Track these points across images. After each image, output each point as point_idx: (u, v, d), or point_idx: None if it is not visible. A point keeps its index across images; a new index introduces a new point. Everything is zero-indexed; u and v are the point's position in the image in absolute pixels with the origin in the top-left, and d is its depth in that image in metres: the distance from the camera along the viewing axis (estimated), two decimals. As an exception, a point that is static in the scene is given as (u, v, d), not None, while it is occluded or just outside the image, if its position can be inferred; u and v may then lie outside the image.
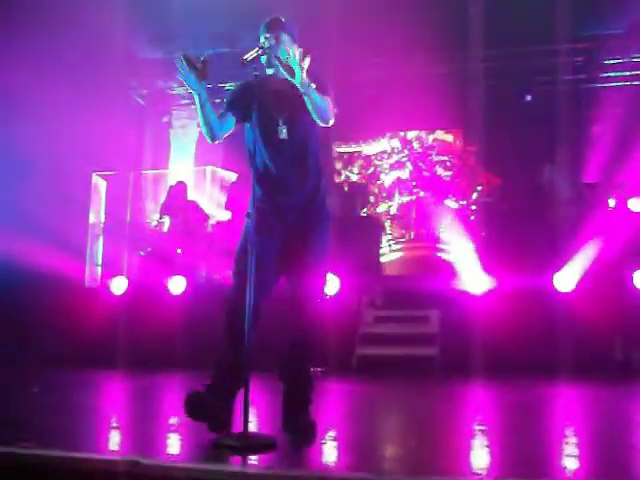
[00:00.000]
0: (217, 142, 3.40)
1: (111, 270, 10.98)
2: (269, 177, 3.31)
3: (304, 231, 3.32)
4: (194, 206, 10.02)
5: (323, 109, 3.19)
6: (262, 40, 3.31)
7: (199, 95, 3.22)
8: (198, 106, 3.24)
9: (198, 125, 3.49)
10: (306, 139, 3.36)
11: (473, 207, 10.88)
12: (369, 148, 12.36)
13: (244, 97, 3.41)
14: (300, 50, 3.20)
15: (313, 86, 3.09)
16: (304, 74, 3.03)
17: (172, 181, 11.24)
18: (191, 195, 10.44)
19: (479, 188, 10.97)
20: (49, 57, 8.49)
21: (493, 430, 3.69)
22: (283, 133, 3.27)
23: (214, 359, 3.28)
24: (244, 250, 3.25)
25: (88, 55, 9.29)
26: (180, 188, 10.04)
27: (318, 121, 3.23)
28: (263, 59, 3.26)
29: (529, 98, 10.78)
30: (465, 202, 11.26)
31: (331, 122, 3.28)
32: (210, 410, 3.13)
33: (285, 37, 3.34)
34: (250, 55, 3.17)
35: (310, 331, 3.33)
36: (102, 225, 11.63)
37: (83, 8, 8.89)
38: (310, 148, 3.37)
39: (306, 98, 3.11)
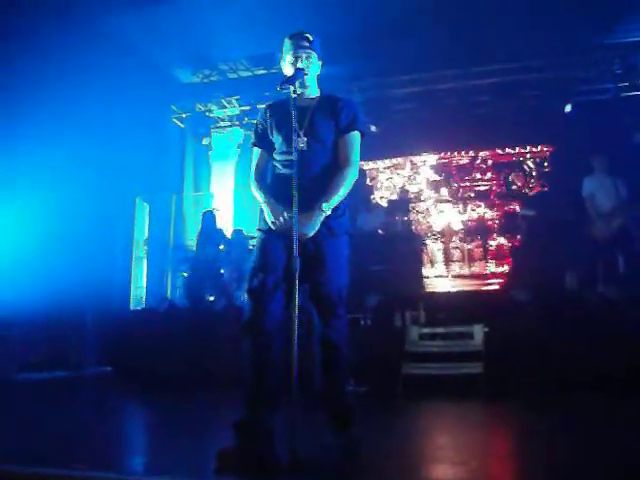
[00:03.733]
0: None
1: (155, 291, 11.19)
2: (284, 190, 3.18)
3: (319, 246, 3.25)
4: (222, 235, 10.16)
5: (349, 188, 3.34)
6: (291, 59, 3.36)
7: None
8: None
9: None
10: (326, 152, 3.37)
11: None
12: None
13: (265, 126, 3.47)
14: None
15: (325, 210, 3.20)
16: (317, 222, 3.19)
17: (214, 203, 11.41)
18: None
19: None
20: (91, 81, 8.65)
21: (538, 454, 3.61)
22: (303, 144, 3.26)
23: (244, 393, 3.19)
24: (258, 267, 3.26)
25: (129, 80, 9.48)
26: (209, 217, 10.15)
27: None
28: (299, 79, 3.28)
29: (569, 109, 10.65)
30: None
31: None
32: (249, 457, 3.01)
33: (314, 55, 3.38)
34: (288, 79, 3.24)
35: (336, 348, 3.27)
36: (146, 248, 11.83)
37: (122, 34, 9.08)
38: (330, 162, 3.37)
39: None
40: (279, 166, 3.39)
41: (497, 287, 10.07)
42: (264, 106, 3.59)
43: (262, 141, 3.48)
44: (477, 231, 11.72)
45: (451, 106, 10.95)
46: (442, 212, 12.08)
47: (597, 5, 8.59)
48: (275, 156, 3.42)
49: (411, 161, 12.37)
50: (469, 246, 11.61)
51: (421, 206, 12.19)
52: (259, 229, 3.41)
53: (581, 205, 8.13)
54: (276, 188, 3.37)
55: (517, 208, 11.11)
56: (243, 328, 3.24)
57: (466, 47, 9.26)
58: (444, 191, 12.18)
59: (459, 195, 12.11)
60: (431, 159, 12.24)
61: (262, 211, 3.40)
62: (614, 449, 3.44)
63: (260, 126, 3.51)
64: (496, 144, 11.84)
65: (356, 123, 3.42)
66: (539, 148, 11.71)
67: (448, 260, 11.60)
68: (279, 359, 3.18)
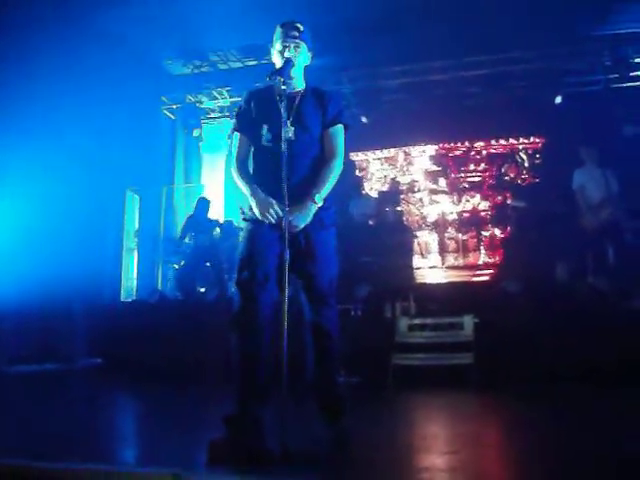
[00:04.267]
0: None
1: (146, 283, 11.16)
2: (270, 181, 3.21)
3: (309, 238, 3.25)
4: (214, 223, 10.11)
5: (336, 180, 3.34)
6: (280, 47, 3.33)
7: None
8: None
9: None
10: (314, 142, 3.36)
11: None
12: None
13: (248, 112, 3.42)
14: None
15: (318, 202, 3.21)
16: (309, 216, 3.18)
17: (204, 194, 11.37)
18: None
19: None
20: (80, 73, 8.59)
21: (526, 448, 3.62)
22: (291, 133, 3.21)
23: (235, 387, 3.17)
24: (247, 258, 3.22)
25: (119, 71, 9.41)
26: (203, 205, 10.10)
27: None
28: (286, 69, 3.26)
29: (559, 100, 10.68)
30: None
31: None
32: (240, 449, 2.97)
33: (304, 45, 3.36)
34: (278, 70, 3.22)
35: (329, 336, 3.28)
36: (136, 239, 11.79)
37: (112, 25, 9.01)
38: (317, 153, 3.36)
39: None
40: (267, 155, 3.33)
41: (488, 278, 10.10)
42: (245, 92, 3.52)
43: (245, 127, 3.43)
44: (471, 222, 11.75)
45: (442, 97, 10.95)
46: (437, 203, 12.09)
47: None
48: (262, 144, 3.35)
49: (405, 152, 12.35)
50: (464, 237, 11.64)
51: (415, 197, 12.19)
52: (245, 219, 3.37)
53: (571, 197, 8.15)
54: (261, 178, 3.34)
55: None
56: (233, 320, 3.22)
57: (456, 38, 9.24)
58: (442, 182, 12.18)
59: (455, 186, 12.11)
60: (430, 149, 12.22)
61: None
62: (604, 440, 3.45)
63: (243, 112, 3.45)
64: (487, 136, 11.86)
65: (341, 116, 3.43)
66: (531, 140, 11.73)
67: (443, 251, 11.62)
68: (270, 351, 3.16)
